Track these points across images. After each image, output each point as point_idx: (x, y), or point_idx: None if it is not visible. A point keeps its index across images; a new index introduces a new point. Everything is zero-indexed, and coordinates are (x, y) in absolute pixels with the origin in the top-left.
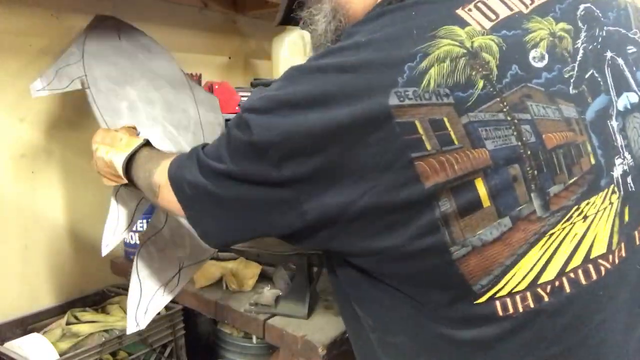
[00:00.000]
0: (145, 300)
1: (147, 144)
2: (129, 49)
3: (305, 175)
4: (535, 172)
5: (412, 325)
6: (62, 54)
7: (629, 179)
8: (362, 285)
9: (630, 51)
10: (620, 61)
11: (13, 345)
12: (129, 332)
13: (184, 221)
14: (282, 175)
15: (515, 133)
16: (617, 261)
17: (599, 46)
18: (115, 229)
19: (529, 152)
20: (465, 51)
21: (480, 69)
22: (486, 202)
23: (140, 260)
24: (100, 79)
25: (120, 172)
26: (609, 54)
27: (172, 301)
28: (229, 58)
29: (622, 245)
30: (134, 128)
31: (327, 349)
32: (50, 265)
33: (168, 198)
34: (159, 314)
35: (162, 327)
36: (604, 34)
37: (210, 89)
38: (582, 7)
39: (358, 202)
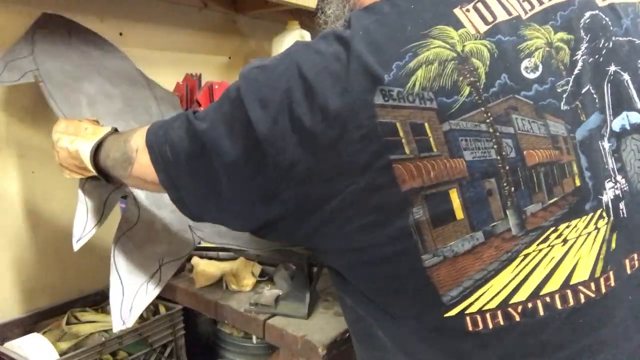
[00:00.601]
0: (129, 297)
1: (115, 132)
2: (81, 47)
3: (286, 162)
4: (512, 188)
5: (391, 331)
6: (9, 49)
7: (622, 205)
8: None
9: None
10: (626, 76)
11: (13, 345)
12: (115, 330)
13: (158, 212)
14: (264, 158)
15: (495, 146)
16: (604, 290)
17: (601, 59)
18: (86, 224)
19: (507, 167)
20: (455, 55)
21: (468, 75)
22: (460, 214)
23: (118, 257)
24: (54, 73)
25: (88, 161)
26: (612, 68)
27: (172, 301)
28: (229, 58)
29: (611, 274)
30: (97, 121)
31: (327, 349)
32: (50, 265)
33: (144, 162)
34: (158, 313)
35: (162, 327)
36: (610, 45)
37: (210, 89)
38: (587, 14)
39: (337, 197)
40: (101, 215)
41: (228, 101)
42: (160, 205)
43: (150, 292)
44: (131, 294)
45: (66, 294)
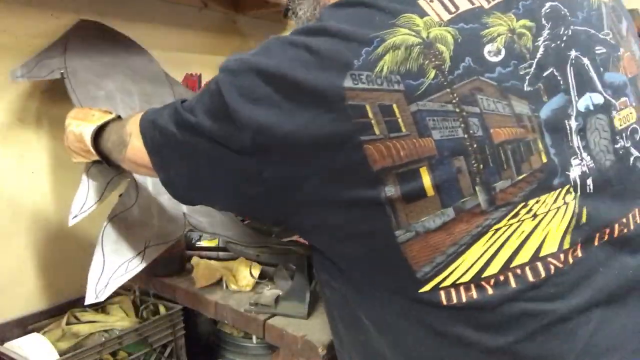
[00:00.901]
0: (107, 274)
1: (119, 118)
2: (110, 48)
3: (263, 144)
4: (481, 165)
5: (371, 312)
6: (44, 49)
7: (589, 181)
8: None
9: (598, 52)
10: (586, 61)
11: (13, 345)
12: (87, 302)
13: (158, 197)
14: (244, 141)
15: (462, 125)
16: (571, 260)
17: (562, 44)
18: (84, 203)
19: (475, 145)
20: (420, 41)
21: (433, 59)
22: (430, 191)
23: (107, 237)
24: (79, 71)
25: (89, 143)
26: (573, 53)
27: (172, 301)
28: None
29: (578, 246)
30: (109, 112)
31: (327, 349)
32: (50, 265)
33: (137, 146)
34: (158, 313)
35: (162, 327)
36: (570, 32)
37: None
38: (548, 4)
39: (313, 178)
40: (101, 194)
41: (208, 93)
42: (160, 191)
43: (129, 270)
44: (110, 271)
45: (66, 294)
